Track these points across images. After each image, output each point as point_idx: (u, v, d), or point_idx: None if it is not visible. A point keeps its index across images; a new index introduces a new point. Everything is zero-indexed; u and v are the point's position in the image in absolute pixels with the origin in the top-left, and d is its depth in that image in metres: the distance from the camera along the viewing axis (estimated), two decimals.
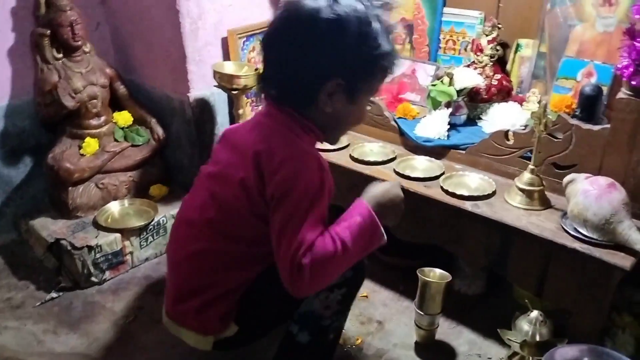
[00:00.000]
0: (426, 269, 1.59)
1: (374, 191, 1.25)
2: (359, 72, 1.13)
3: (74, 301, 1.81)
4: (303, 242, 1.09)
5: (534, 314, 1.46)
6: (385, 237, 1.20)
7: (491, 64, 1.92)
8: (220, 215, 1.23)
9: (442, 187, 1.60)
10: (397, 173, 1.69)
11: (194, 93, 1.99)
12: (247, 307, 1.28)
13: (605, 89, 1.64)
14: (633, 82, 1.32)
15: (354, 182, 1.74)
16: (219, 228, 1.24)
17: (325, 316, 1.29)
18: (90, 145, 1.98)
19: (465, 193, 1.56)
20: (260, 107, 2.15)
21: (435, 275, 1.57)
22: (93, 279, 1.86)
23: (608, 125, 1.44)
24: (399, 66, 1.21)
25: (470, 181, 1.64)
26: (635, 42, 1.30)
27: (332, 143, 1.34)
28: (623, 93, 1.38)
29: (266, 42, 1.18)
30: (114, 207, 2.01)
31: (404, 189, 1.35)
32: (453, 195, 1.57)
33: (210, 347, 1.32)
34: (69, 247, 1.82)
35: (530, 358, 1.47)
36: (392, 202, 1.25)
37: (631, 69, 1.32)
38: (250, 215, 1.20)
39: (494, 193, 1.58)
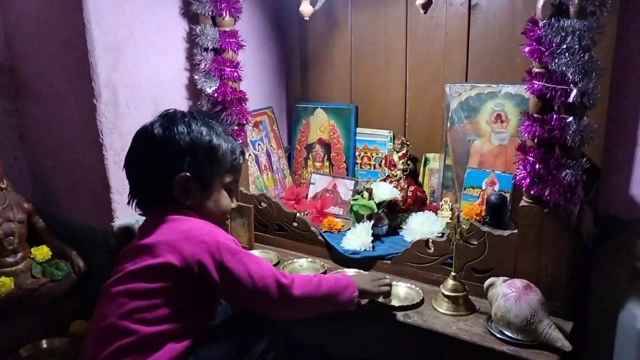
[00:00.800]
0: None
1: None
2: (200, 164, 1.34)
3: None
4: (272, 270, 1.30)
5: None
6: (358, 297, 1.45)
7: (404, 177, 2.07)
8: (137, 304, 1.24)
9: (374, 300, 1.64)
10: None
11: (118, 222, 1.96)
12: None
13: (508, 196, 1.81)
14: (532, 192, 1.48)
15: None
16: (136, 317, 1.24)
17: None
18: (5, 285, 1.86)
19: (396, 303, 1.61)
20: None
21: None
22: None
23: (516, 231, 1.57)
24: (242, 155, 1.46)
25: (400, 291, 1.70)
26: (528, 157, 1.47)
27: None
28: (525, 201, 1.53)
29: (124, 165, 1.40)
30: (31, 351, 1.87)
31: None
32: (385, 307, 1.61)
33: None
34: None
35: None
36: (373, 277, 1.58)
37: (528, 180, 1.47)
38: (170, 295, 1.25)
39: (422, 302, 1.64)
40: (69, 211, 2.09)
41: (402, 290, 1.71)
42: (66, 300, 2.00)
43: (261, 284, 1.27)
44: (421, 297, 1.65)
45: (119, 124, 1.90)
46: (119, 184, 1.93)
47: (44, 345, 1.90)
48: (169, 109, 1.42)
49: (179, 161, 1.32)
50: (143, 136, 1.37)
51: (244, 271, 1.26)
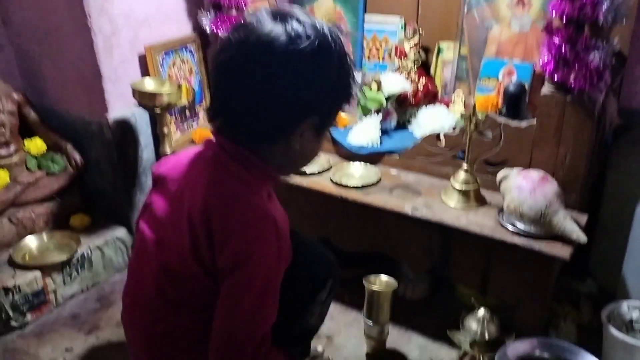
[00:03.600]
0: (371, 276, 1.56)
1: None
2: (334, 106, 1.02)
3: None
4: (256, 332, 0.99)
5: (481, 312, 1.47)
6: None
7: (415, 68, 1.95)
8: (178, 290, 1.05)
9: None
10: (334, 182, 1.66)
11: (113, 114, 1.87)
12: None
13: (526, 87, 1.70)
14: (556, 77, 1.36)
15: (292, 195, 1.69)
16: (182, 303, 1.06)
17: (318, 325, 1.32)
18: (0, 177, 1.81)
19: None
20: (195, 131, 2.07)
21: (382, 282, 1.55)
22: (13, 323, 1.69)
23: (534, 121, 1.48)
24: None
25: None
26: (554, 38, 1.35)
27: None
28: (547, 88, 1.42)
29: (223, 69, 0.99)
30: (32, 243, 1.85)
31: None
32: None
33: None
34: None
35: (481, 356, 1.48)
36: None
37: (553, 64, 1.36)
38: (208, 282, 1.02)
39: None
40: (61, 102, 1.99)
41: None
42: (64, 194, 1.95)
43: (223, 328, 0.99)
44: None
45: (108, 6, 1.75)
46: (111, 71, 1.81)
47: (46, 238, 1.88)
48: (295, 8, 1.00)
49: (320, 97, 0.97)
50: (277, 44, 0.93)
51: (229, 309, 0.98)
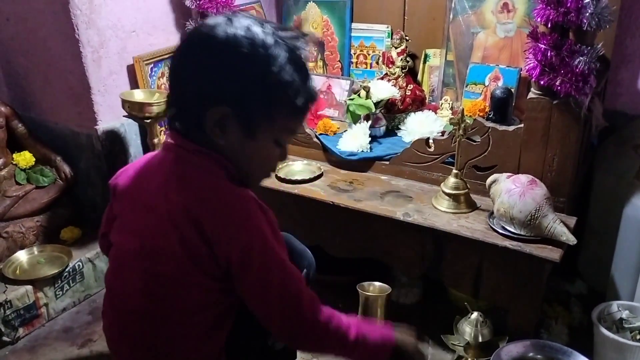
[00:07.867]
0: (365, 283, 1.57)
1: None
2: (250, 102, 0.97)
3: None
4: (300, 296, 1.02)
5: (474, 315, 1.48)
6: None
7: (403, 75, 1.96)
8: (168, 298, 1.03)
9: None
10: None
11: (102, 125, 1.87)
12: None
13: (512, 91, 1.72)
14: (542, 82, 1.39)
15: (283, 202, 1.70)
16: (176, 309, 1.04)
17: None
18: None
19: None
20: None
21: (375, 288, 1.56)
22: (5, 338, 1.68)
23: (521, 125, 1.50)
24: (312, 101, 1.03)
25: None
26: (539, 44, 1.37)
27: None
28: (533, 93, 1.44)
29: (169, 67, 1.07)
30: (22, 257, 1.83)
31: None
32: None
33: None
34: None
35: None
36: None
37: (538, 69, 1.38)
38: (203, 280, 1.02)
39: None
40: (50, 115, 1.98)
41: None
42: (54, 207, 1.94)
43: (277, 313, 1.02)
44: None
45: (95, 18, 1.75)
46: (100, 83, 1.81)
47: (37, 252, 1.86)
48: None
49: (222, 86, 0.96)
50: (195, 37, 1.02)
51: (266, 292, 1.00)
